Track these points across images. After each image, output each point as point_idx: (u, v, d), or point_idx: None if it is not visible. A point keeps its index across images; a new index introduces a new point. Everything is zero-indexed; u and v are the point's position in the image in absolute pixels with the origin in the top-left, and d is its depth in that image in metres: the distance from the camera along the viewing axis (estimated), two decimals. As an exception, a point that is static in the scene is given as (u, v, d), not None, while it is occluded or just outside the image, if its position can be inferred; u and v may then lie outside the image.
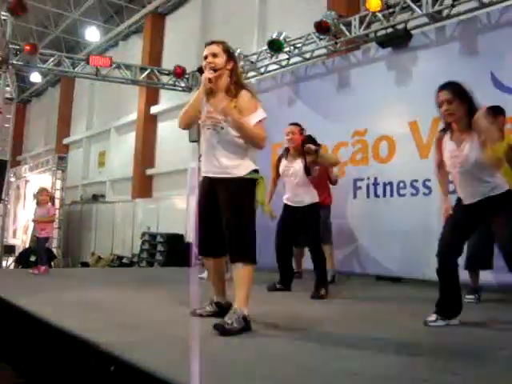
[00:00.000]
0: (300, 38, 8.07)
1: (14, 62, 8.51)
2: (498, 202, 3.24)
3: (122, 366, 2.32)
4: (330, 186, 6.39)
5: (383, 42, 6.89)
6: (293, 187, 5.04)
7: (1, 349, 3.92)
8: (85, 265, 12.77)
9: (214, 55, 3.21)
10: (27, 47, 8.14)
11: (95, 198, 17.61)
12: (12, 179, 16.59)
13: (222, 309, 3.33)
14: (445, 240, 3.34)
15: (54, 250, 13.47)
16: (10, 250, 13.10)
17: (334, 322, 3.57)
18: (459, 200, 3.42)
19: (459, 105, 3.22)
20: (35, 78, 18.89)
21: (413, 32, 6.69)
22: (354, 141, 7.29)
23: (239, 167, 3.18)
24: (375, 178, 6.98)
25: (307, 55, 8.16)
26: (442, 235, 3.39)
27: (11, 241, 15.55)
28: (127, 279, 6.62)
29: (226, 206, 3.15)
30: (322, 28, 7.26)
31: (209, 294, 3.48)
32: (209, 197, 3.26)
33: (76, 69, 8.97)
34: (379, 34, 7.02)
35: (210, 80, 3.17)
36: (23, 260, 10.94)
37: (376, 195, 6.97)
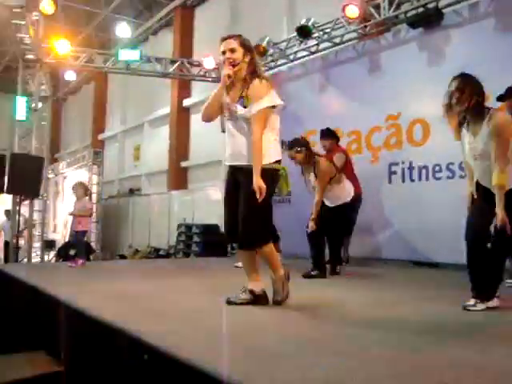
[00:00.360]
0: (329, 23, 7.96)
1: (47, 60, 8.69)
2: None
3: (155, 354, 2.34)
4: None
5: (414, 23, 6.74)
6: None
7: (41, 337, 4.03)
8: (122, 257, 12.99)
9: (232, 50, 3.28)
10: (59, 46, 8.30)
11: (132, 191, 17.87)
12: (50, 176, 17.01)
13: (255, 296, 3.36)
14: (470, 224, 3.28)
15: (93, 244, 13.75)
16: (50, 244, 13.44)
17: (370, 307, 3.53)
18: (479, 186, 3.37)
19: (470, 94, 3.21)
20: (70, 76, 19.23)
21: (444, 11, 6.52)
22: (388, 125, 7.17)
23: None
24: (410, 162, 6.87)
25: (337, 40, 8.04)
26: (467, 219, 3.33)
27: (52, 236, 15.95)
28: (162, 270, 6.71)
29: (241, 194, 3.28)
30: (350, 12, 7.13)
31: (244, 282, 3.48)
32: (232, 185, 3.40)
33: (107, 64, 9.09)
34: (409, 14, 6.85)
35: (229, 76, 3.26)
36: (63, 254, 11.20)
37: (411, 179, 6.86)
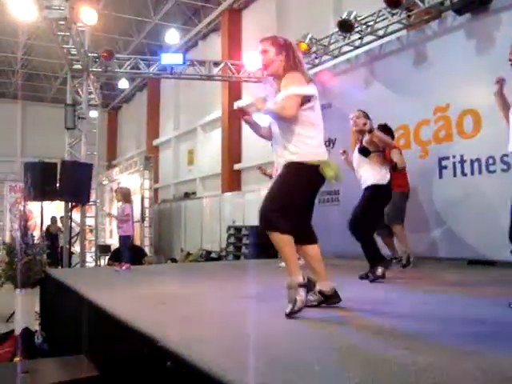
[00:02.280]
0: (371, 16, 7.72)
1: (93, 69, 8.91)
2: None
3: (177, 361, 2.28)
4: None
5: (460, 9, 6.41)
6: (357, 170, 5.22)
7: (82, 342, 4.07)
8: (173, 261, 13.15)
9: (264, 52, 3.36)
10: (104, 54, 8.50)
11: (187, 195, 18.11)
12: (105, 182, 17.52)
13: (325, 296, 3.29)
14: None
15: (146, 248, 14.01)
16: (105, 249, 13.80)
17: (418, 308, 3.34)
18: None
19: None
20: (123, 84, 19.82)
21: (492, -7, 6.16)
22: (436, 117, 6.87)
23: (292, 155, 3.22)
24: (461, 156, 6.54)
25: (380, 32, 7.79)
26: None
27: (108, 241, 16.41)
28: (206, 273, 6.70)
29: None
30: (393, 2, 6.88)
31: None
32: None
33: (151, 69, 9.22)
34: (455, 0, 6.52)
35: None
36: (115, 258, 11.46)
37: (463, 174, 6.53)
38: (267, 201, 3.18)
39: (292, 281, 3.05)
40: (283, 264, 4.33)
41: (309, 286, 3.16)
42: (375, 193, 5.04)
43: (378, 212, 5.27)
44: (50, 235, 11.46)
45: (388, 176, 5.13)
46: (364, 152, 5.13)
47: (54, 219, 12.74)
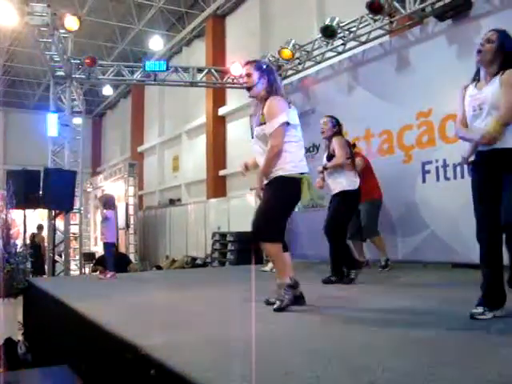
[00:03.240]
0: (354, 22, 7.77)
1: (77, 75, 8.85)
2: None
3: (161, 370, 2.26)
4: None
5: (442, 15, 6.47)
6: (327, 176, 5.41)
7: (65, 352, 4.02)
8: (158, 268, 13.07)
9: (248, 75, 3.68)
10: (87, 60, 8.44)
11: (172, 202, 18.04)
12: (89, 189, 17.38)
13: (296, 297, 3.54)
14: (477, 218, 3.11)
15: (131, 255, 13.90)
16: (90, 257, 13.69)
17: (405, 313, 3.35)
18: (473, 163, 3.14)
19: (498, 49, 3.05)
20: (107, 91, 19.74)
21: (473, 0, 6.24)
22: (419, 123, 6.91)
23: (277, 170, 3.55)
24: (444, 160, 6.59)
25: (363, 38, 7.84)
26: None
27: (93, 248, 16.28)
28: (188, 280, 6.65)
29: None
30: (375, 8, 6.94)
31: (272, 286, 3.66)
32: None
33: (134, 76, 9.18)
34: (436, 6, 6.58)
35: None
36: (99, 265, 11.35)
37: (446, 178, 6.58)
38: (262, 213, 3.54)
39: (282, 282, 3.46)
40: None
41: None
42: (344, 199, 5.22)
43: (348, 217, 5.43)
44: (35, 244, 11.29)
45: (357, 182, 5.31)
46: (330, 159, 5.30)
47: (40, 227, 12.54)
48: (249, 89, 3.68)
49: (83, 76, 8.89)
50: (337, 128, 5.44)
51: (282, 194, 3.53)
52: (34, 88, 22.88)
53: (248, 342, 2.34)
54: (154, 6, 16.12)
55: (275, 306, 3.41)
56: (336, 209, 5.24)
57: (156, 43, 17.16)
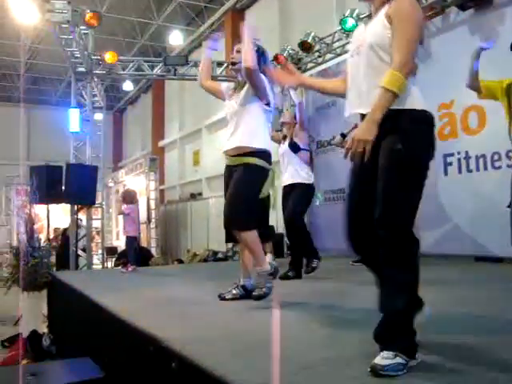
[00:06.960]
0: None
1: (97, 71, 8.93)
2: (391, 124, 2.00)
3: (182, 362, 2.27)
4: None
5: (464, 4, 6.37)
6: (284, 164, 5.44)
7: (87, 344, 4.08)
8: (180, 262, 13.13)
9: (238, 51, 3.78)
10: (107, 56, 8.51)
11: (193, 196, 18.09)
12: (111, 184, 17.54)
13: (247, 291, 3.62)
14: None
15: (153, 249, 14.00)
16: (112, 251, 13.81)
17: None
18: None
19: None
20: (127, 86, 19.81)
21: (496, -12, 6.14)
22: (441, 114, 6.83)
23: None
24: (466, 152, 6.51)
25: (384, 29, 7.74)
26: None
27: (115, 243, 16.43)
28: (209, 274, 6.68)
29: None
30: (394, -1, 6.84)
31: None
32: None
33: (154, 70, 9.22)
34: (458, -5, 6.50)
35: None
36: (121, 260, 11.45)
37: (468, 170, 6.50)
38: (235, 202, 3.49)
39: (262, 270, 3.45)
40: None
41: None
42: (306, 191, 5.21)
43: (306, 210, 5.50)
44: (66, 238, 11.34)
45: (312, 176, 5.30)
46: (294, 148, 5.18)
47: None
48: (234, 63, 3.81)
49: (104, 72, 8.97)
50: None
51: (257, 184, 3.56)
52: (56, 85, 23.11)
53: (265, 336, 2.34)
54: (173, 1, 16.14)
55: (255, 293, 3.44)
56: (298, 201, 5.17)
57: (176, 38, 17.18)
